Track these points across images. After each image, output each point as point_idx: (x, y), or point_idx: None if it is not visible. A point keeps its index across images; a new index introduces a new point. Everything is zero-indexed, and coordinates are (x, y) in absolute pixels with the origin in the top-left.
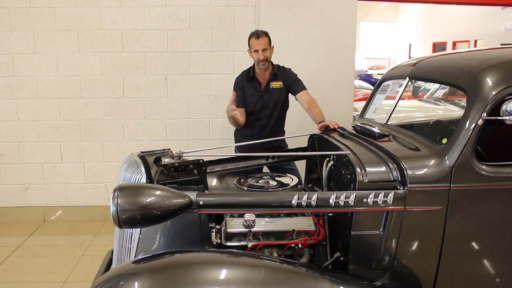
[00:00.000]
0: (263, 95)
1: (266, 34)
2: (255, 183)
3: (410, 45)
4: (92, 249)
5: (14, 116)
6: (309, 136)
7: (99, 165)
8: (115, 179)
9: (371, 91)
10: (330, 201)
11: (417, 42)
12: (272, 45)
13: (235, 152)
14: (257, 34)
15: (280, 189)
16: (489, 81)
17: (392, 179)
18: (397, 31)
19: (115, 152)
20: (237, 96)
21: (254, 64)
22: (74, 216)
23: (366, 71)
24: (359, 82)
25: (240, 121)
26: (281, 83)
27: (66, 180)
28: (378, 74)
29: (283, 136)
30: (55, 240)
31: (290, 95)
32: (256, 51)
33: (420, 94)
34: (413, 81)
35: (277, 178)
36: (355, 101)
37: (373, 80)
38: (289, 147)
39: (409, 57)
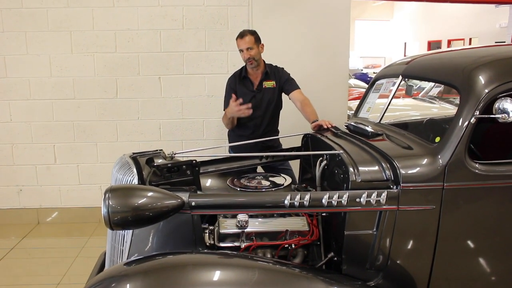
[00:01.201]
0: (255, 95)
1: (251, 33)
2: (248, 184)
3: (405, 43)
4: (86, 250)
5: (6, 117)
6: (302, 135)
7: (93, 166)
8: (110, 180)
9: None
10: (323, 201)
11: (412, 40)
12: (261, 43)
13: (229, 152)
14: (241, 34)
15: (273, 189)
16: (481, 79)
17: (385, 178)
18: (392, 30)
19: (109, 153)
20: (229, 98)
21: (246, 64)
22: (68, 218)
23: (361, 70)
24: (354, 81)
25: (235, 121)
26: (274, 82)
27: (60, 182)
28: (374, 73)
29: (277, 136)
30: (49, 242)
31: (283, 94)
32: (241, 50)
33: (415, 92)
34: (406, 79)
35: (270, 178)
36: (350, 100)
37: (368, 79)
38: (283, 146)
39: (405, 56)
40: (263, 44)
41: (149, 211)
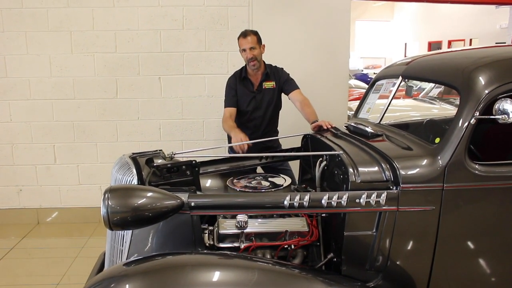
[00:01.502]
0: (255, 96)
1: (254, 33)
2: (248, 184)
3: (405, 44)
4: (86, 250)
5: (6, 117)
6: (302, 136)
7: (93, 166)
8: (109, 181)
9: None
10: (323, 201)
11: (413, 41)
12: (262, 44)
13: (229, 152)
14: (244, 34)
15: (272, 190)
16: (481, 80)
17: (385, 179)
18: (392, 30)
19: (108, 153)
20: (229, 97)
21: (246, 65)
22: (68, 218)
23: (362, 71)
24: (354, 82)
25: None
26: (274, 83)
27: (60, 182)
28: (374, 73)
29: (277, 136)
30: (49, 242)
31: (283, 95)
32: (244, 50)
33: (415, 93)
34: (406, 80)
35: (270, 179)
36: (350, 100)
37: (368, 79)
38: (283, 147)
39: (405, 56)
40: (264, 45)
41: (149, 212)
